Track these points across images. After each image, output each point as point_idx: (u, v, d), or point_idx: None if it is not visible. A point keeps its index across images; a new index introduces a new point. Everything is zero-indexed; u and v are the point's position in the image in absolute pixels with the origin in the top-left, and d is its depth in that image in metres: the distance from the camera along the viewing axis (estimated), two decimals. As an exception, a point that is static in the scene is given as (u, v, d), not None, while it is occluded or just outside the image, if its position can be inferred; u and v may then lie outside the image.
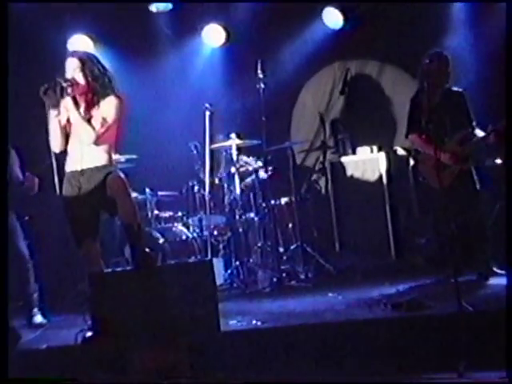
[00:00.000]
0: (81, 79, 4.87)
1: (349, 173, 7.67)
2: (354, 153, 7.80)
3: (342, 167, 7.71)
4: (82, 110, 4.86)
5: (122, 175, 4.89)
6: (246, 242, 7.05)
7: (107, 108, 4.87)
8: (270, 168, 7.09)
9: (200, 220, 7.25)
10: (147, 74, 8.06)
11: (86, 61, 4.90)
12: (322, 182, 7.91)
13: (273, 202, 7.20)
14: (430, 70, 5.69)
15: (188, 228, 7.38)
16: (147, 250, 4.78)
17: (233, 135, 7.12)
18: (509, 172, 5.15)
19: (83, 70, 4.86)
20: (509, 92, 5.25)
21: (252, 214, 7.22)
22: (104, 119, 4.86)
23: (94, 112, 4.89)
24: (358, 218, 7.48)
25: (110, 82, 4.91)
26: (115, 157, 5.27)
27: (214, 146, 7.19)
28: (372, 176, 7.51)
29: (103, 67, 4.96)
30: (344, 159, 7.76)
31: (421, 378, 4.13)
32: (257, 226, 7.15)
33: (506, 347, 3.89)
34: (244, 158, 7.31)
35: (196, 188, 7.33)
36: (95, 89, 4.88)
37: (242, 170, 7.20)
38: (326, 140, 8.05)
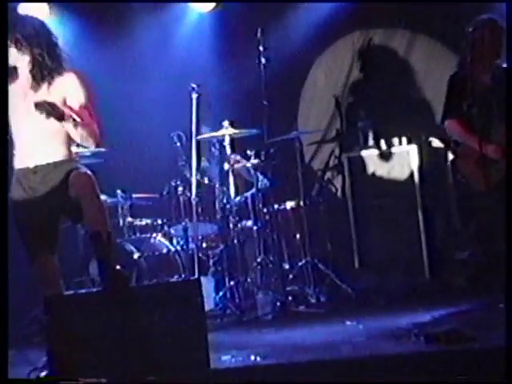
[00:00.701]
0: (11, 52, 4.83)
1: (371, 170, 7.67)
2: (377, 145, 7.79)
3: (363, 163, 7.70)
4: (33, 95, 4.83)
5: (89, 172, 4.87)
6: (242, 256, 7.03)
7: (67, 88, 4.85)
8: (272, 164, 7.07)
9: (185, 229, 7.23)
10: (118, 47, 8.05)
11: (11, 26, 4.80)
12: (338, 182, 7.92)
13: (276, 206, 7.21)
14: (477, 41, 5.67)
15: (170, 239, 7.38)
16: (118, 266, 4.75)
17: (226, 123, 7.10)
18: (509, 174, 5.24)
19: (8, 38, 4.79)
20: (510, 92, 5.34)
21: (250, 222, 7.21)
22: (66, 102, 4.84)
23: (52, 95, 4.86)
24: (382, 227, 7.48)
25: (50, 52, 4.83)
26: (77, 150, 5.25)
27: (203, 136, 7.18)
28: (400, 174, 7.50)
29: (38, 32, 4.85)
30: (365, 153, 7.75)
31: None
32: (256, 236, 7.15)
33: None
34: (240, 152, 7.30)
35: (180, 189, 7.31)
36: (34, 62, 4.83)
37: (237, 166, 7.19)
38: (343, 129, 8.04)
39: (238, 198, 7.20)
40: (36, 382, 4.33)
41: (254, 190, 7.22)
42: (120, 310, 4.50)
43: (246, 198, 7.30)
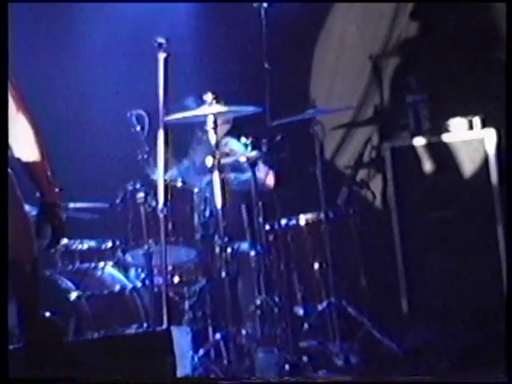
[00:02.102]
0: None
1: (426, 167, 7.70)
2: (435, 130, 7.79)
3: (414, 157, 7.74)
4: None
5: (9, 170, 4.86)
6: (233, 296, 7.03)
7: None
8: (278, 158, 7.09)
9: (148, 256, 7.20)
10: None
11: None
12: (377, 186, 7.96)
13: (284, 221, 7.25)
14: None
15: (125, 271, 7.40)
16: (48, 313, 4.73)
17: (208, 97, 7.08)
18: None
19: None
20: (509, 91, 5.53)
21: (245, 245, 7.24)
22: None
23: None
24: (443, 252, 7.53)
25: None
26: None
27: (174, 116, 7.14)
28: (471, 171, 7.55)
29: None
30: (418, 142, 7.78)
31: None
32: (254, 266, 7.16)
33: None
34: (230, 139, 7.31)
35: (140, 196, 7.27)
36: None
37: (225, 161, 7.17)
38: (384, 107, 8.04)
39: (226, 210, 7.16)
40: (39, 382, 4.38)
41: (251, 197, 7.22)
42: (50, 377, 4.47)
43: (240, 208, 7.30)
